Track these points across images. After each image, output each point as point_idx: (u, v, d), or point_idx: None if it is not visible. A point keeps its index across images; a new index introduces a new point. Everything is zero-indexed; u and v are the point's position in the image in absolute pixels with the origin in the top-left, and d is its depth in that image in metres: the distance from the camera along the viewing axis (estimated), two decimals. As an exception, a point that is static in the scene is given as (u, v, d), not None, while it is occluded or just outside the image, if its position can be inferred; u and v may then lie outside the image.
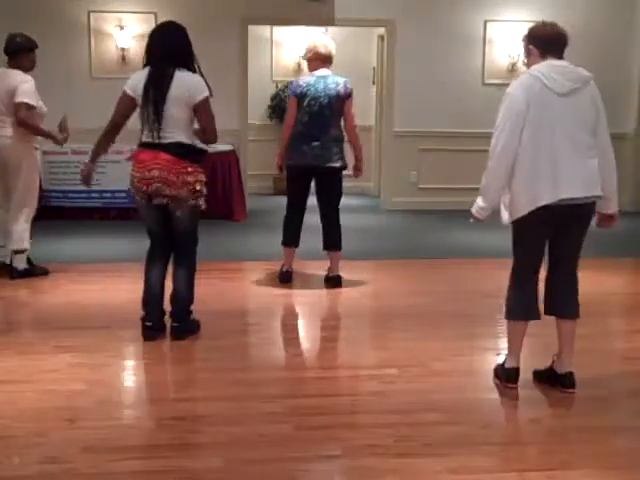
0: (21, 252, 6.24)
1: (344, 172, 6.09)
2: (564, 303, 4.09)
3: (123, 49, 9.44)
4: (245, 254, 7.41)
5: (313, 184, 6.11)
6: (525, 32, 4.10)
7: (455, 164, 9.71)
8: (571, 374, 4.06)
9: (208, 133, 4.61)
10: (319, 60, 6.01)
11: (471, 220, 4.09)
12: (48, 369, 4.28)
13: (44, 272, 6.36)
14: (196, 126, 4.65)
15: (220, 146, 8.48)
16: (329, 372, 4.41)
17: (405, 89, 9.92)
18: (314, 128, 5.89)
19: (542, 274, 4.11)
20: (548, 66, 3.89)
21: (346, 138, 6.07)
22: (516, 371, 4.06)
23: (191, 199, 4.60)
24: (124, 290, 5.89)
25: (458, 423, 3.66)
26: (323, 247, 6.19)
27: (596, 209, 4.08)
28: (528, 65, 4.03)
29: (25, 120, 6.00)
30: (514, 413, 3.97)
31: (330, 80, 5.95)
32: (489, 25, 9.94)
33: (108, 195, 8.92)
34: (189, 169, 4.56)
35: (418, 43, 9.85)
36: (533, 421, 3.83)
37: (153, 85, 4.52)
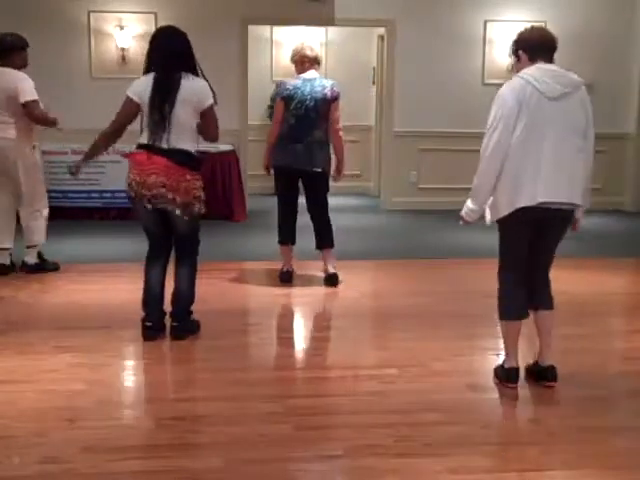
0: (32, 247, 6.36)
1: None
2: (540, 296, 4.10)
3: (123, 49, 9.43)
4: (245, 254, 7.41)
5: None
6: (514, 37, 4.10)
7: (455, 164, 9.70)
8: (552, 367, 4.09)
9: (212, 136, 4.69)
10: (306, 62, 6.02)
11: (460, 223, 4.12)
12: (48, 369, 4.28)
13: (55, 267, 6.46)
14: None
15: (220, 146, 8.49)
16: (329, 372, 4.42)
17: (405, 89, 9.92)
18: (299, 130, 5.93)
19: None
20: (539, 70, 3.90)
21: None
22: (516, 371, 4.07)
23: (191, 204, 4.60)
24: (124, 290, 5.89)
25: (458, 423, 3.66)
26: (316, 246, 6.24)
27: None
28: (517, 70, 4.03)
29: (42, 116, 6.08)
30: (514, 413, 3.97)
31: (317, 83, 5.98)
32: (489, 25, 9.94)
33: (108, 195, 8.92)
34: (187, 176, 4.57)
35: (418, 43, 9.85)
36: (533, 421, 3.84)
37: (160, 90, 4.52)
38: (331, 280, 6.16)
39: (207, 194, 4.78)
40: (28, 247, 6.38)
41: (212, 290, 5.77)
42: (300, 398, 3.99)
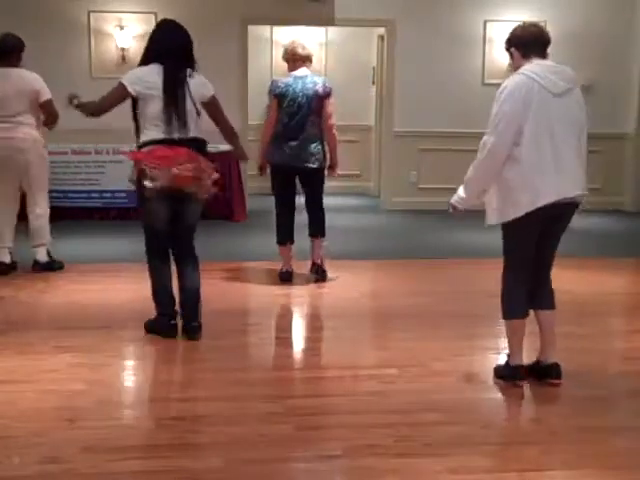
0: (42, 245, 6.43)
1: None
2: (543, 295, 4.11)
3: (123, 49, 9.44)
4: (245, 254, 7.41)
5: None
6: (507, 37, 4.10)
7: (455, 164, 9.63)
8: (557, 365, 4.09)
9: (228, 126, 4.85)
10: (298, 60, 6.04)
11: (450, 210, 4.15)
12: (48, 369, 4.28)
13: (61, 266, 6.52)
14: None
15: (220, 146, 8.46)
16: (329, 372, 4.41)
17: (405, 89, 9.92)
18: (293, 128, 5.96)
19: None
20: (539, 66, 3.89)
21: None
22: (523, 368, 4.08)
23: (208, 187, 4.64)
24: (124, 290, 5.89)
25: (458, 423, 3.66)
26: (308, 233, 6.27)
27: None
28: (514, 68, 4.03)
29: (58, 115, 6.18)
30: (514, 413, 3.97)
31: (308, 80, 6.00)
32: (489, 25, 9.94)
33: (108, 195, 8.92)
34: (206, 162, 4.64)
35: (418, 43, 9.85)
36: (533, 421, 3.84)
37: (175, 83, 4.54)
38: (316, 270, 6.24)
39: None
40: (37, 246, 6.41)
41: (212, 290, 5.76)
42: (300, 398, 3.99)
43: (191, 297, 4.78)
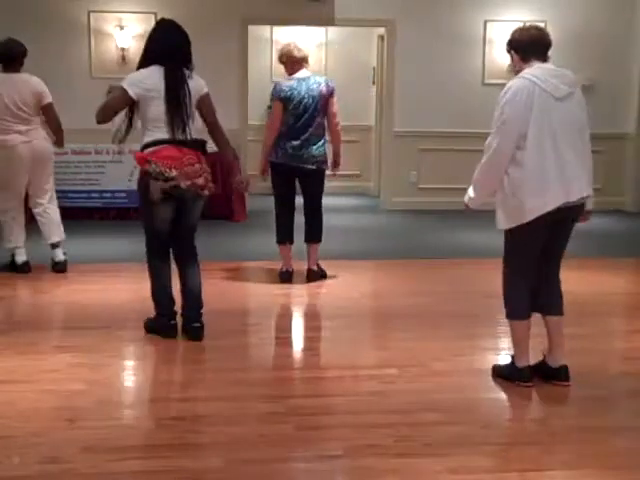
0: (59, 244, 6.48)
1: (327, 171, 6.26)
2: (551, 300, 4.10)
3: (123, 49, 9.44)
4: (245, 254, 7.41)
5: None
6: (507, 39, 4.09)
7: (455, 164, 9.70)
8: (565, 367, 4.09)
9: (212, 120, 4.76)
10: (296, 63, 6.05)
11: (464, 208, 4.18)
12: (48, 369, 4.28)
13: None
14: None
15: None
16: (329, 372, 4.41)
17: (405, 89, 9.92)
18: (297, 128, 5.99)
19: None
20: (540, 69, 3.90)
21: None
22: (531, 369, 4.08)
23: (210, 187, 4.65)
24: (124, 290, 5.89)
25: (458, 423, 3.65)
26: (304, 239, 6.28)
27: None
28: (515, 72, 4.02)
29: (58, 119, 6.32)
30: (514, 413, 3.97)
31: (312, 81, 6.02)
32: (489, 25, 9.94)
33: (108, 195, 8.92)
34: (205, 164, 4.66)
35: (418, 43, 9.85)
36: (533, 421, 3.84)
37: (177, 85, 4.55)
38: (314, 275, 6.26)
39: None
40: (57, 245, 6.46)
41: (212, 290, 5.75)
42: (300, 398, 3.98)
43: (193, 298, 4.78)
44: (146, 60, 4.63)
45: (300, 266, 6.36)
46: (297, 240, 6.30)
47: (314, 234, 6.27)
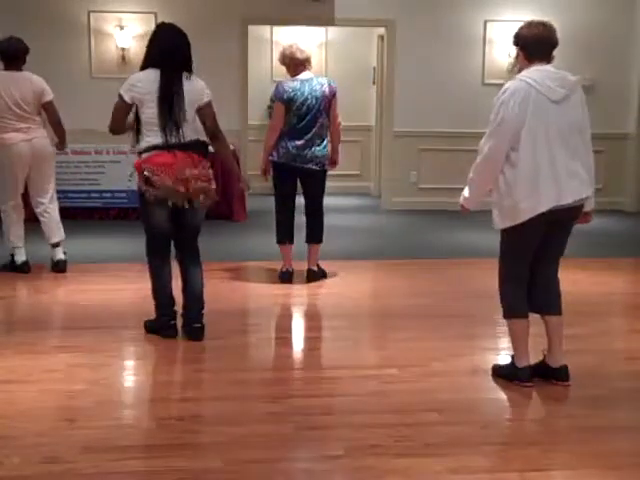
0: (59, 244, 6.48)
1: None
2: (549, 300, 4.10)
3: (123, 49, 9.44)
4: (245, 254, 7.40)
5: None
6: (514, 33, 4.08)
7: (455, 164, 9.68)
8: (565, 367, 4.09)
9: (212, 127, 4.74)
10: (299, 65, 6.06)
11: (459, 209, 4.20)
12: (48, 369, 4.28)
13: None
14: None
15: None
16: (329, 372, 4.41)
17: (405, 89, 9.92)
18: (300, 129, 6.01)
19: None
20: (538, 72, 3.90)
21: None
22: (531, 369, 4.08)
23: (212, 190, 4.62)
24: (124, 290, 5.88)
25: (458, 423, 3.66)
26: (305, 240, 6.29)
27: None
28: (518, 70, 4.02)
29: (59, 117, 6.32)
30: (514, 413, 3.97)
31: (315, 82, 6.05)
32: (489, 25, 9.94)
33: (108, 195, 8.92)
34: (206, 164, 4.62)
35: (418, 43, 9.85)
36: (533, 421, 3.84)
37: (172, 88, 4.52)
38: (314, 275, 6.27)
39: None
40: (57, 245, 6.45)
41: (212, 290, 5.75)
42: (300, 398, 3.98)
43: (194, 298, 4.78)
44: (146, 64, 4.64)
45: (300, 266, 6.36)
46: (297, 240, 6.30)
47: (315, 235, 6.28)
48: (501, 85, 4.06)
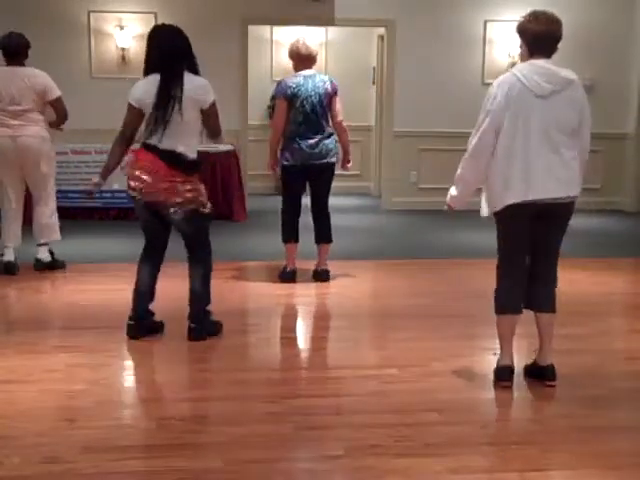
0: (45, 244, 6.44)
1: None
2: (541, 297, 4.09)
3: (123, 49, 9.44)
4: (245, 254, 7.41)
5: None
6: (519, 23, 4.09)
7: (455, 164, 9.46)
8: (552, 367, 4.09)
9: (215, 130, 4.73)
10: (302, 60, 6.07)
11: (445, 208, 4.24)
12: (48, 369, 4.28)
13: (63, 265, 6.53)
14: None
15: (220, 146, 8.49)
16: (329, 372, 4.42)
17: (405, 89, 9.92)
18: (308, 127, 6.02)
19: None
20: (530, 66, 3.92)
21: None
22: (509, 369, 4.07)
23: (184, 204, 4.58)
24: (124, 290, 5.85)
25: (458, 423, 3.66)
26: (315, 240, 6.31)
27: None
28: (521, 59, 4.04)
29: (67, 112, 6.29)
30: (514, 413, 3.97)
31: (317, 79, 6.08)
32: (489, 25, 9.94)
33: (108, 195, 8.90)
34: (178, 179, 4.55)
35: (418, 43, 9.85)
36: (533, 421, 3.84)
37: (167, 89, 4.49)
38: (321, 276, 6.27)
39: (207, 194, 4.77)
40: (42, 245, 6.42)
41: (212, 290, 5.74)
42: (300, 398, 3.98)
43: (191, 299, 4.81)
44: (146, 71, 4.63)
45: (301, 266, 6.36)
46: (301, 240, 6.30)
47: (324, 235, 6.30)
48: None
